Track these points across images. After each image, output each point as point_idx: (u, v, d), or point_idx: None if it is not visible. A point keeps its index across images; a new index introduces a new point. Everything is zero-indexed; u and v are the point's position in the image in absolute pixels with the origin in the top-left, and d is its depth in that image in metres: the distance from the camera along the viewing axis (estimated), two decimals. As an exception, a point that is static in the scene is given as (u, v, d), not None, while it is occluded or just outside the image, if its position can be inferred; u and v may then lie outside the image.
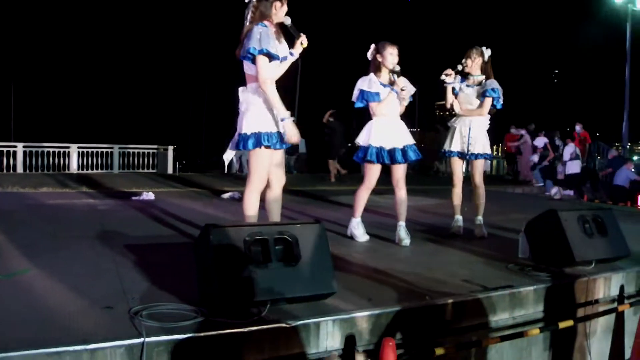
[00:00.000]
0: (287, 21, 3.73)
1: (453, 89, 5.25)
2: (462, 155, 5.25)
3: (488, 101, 5.14)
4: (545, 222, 4.07)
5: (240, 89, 3.71)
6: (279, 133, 3.60)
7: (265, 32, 3.52)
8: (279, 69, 3.67)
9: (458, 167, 5.29)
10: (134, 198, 7.61)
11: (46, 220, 5.66)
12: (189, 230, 5.08)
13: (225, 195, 8.04)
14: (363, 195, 4.76)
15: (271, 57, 3.52)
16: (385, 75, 4.66)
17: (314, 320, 2.66)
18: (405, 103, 4.71)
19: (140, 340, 2.30)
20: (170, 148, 16.51)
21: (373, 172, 4.67)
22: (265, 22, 3.59)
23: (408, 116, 5.12)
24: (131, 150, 16.61)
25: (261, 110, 3.59)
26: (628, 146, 20.89)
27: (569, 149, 14.12)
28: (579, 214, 4.07)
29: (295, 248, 2.80)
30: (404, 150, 4.62)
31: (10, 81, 24.47)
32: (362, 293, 3.10)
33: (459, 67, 5.21)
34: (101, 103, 29.12)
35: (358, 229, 4.82)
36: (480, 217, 5.25)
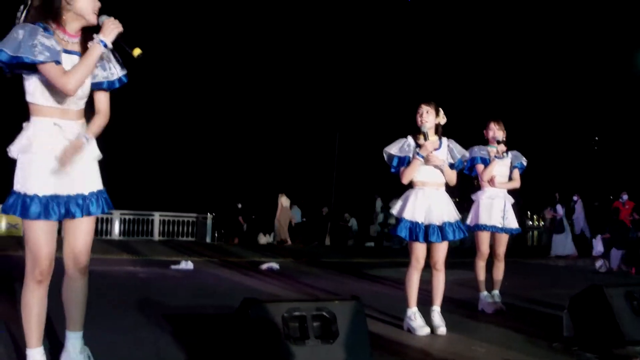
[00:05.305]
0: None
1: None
2: (500, 229, 5.07)
3: (517, 172, 5.11)
4: (589, 298, 3.90)
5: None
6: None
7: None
8: None
9: (488, 241, 5.10)
10: (173, 267, 7.72)
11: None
12: (227, 302, 5.08)
13: (264, 267, 8.07)
14: (412, 278, 4.05)
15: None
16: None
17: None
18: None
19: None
20: (210, 216, 16.87)
21: (414, 249, 4.05)
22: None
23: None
24: (171, 218, 17.04)
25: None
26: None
27: None
28: (627, 290, 3.89)
29: (333, 325, 2.79)
30: (441, 228, 4.02)
31: None
32: (400, 372, 3.04)
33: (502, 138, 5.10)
34: (142, 170, 30.04)
35: (415, 320, 4.00)
36: (497, 292, 5.12)
